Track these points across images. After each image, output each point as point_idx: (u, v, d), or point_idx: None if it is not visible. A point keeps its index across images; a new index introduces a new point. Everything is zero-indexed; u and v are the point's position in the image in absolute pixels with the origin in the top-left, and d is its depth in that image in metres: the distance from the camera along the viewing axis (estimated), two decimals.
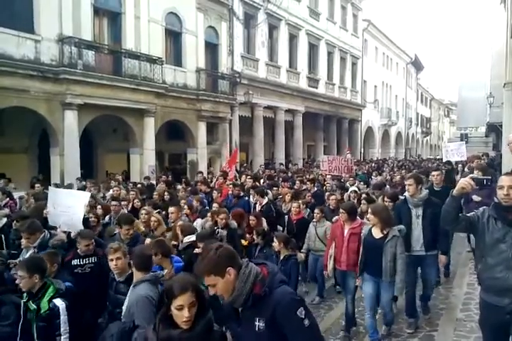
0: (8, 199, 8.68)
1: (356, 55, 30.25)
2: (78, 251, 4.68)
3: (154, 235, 5.62)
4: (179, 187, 10.34)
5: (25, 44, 11.68)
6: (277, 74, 21.78)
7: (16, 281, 3.61)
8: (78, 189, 9.40)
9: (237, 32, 19.17)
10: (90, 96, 12.78)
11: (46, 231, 5.06)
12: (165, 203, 7.82)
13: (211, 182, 11.17)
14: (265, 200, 7.94)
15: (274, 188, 9.47)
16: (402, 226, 4.75)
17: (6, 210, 7.66)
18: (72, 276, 4.32)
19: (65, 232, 5.47)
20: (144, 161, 15.05)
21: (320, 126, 26.11)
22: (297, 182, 10.30)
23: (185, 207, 6.89)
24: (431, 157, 35.13)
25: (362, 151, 32.01)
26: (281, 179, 11.80)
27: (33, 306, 3.50)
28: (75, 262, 4.65)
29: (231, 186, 9.11)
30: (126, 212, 6.96)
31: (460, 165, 11.34)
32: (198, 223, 6.55)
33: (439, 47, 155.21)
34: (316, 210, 6.54)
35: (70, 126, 12.61)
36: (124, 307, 3.31)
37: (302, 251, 6.41)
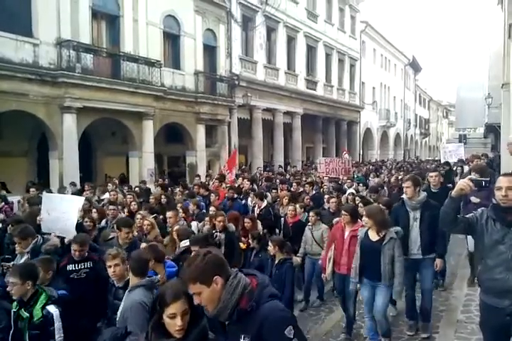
0: (3, 203, 8.62)
1: (354, 57, 30.32)
2: (73, 256, 4.61)
3: (147, 239, 5.55)
4: (177, 190, 10.32)
5: (24, 48, 11.69)
6: (275, 76, 21.81)
7: (8, 288, 3.54)
8: (73, 193, 9.33)
9: (235, 34, 19.20)
10: (89, 100, 12.78)
11: (39, 237, 5.00)
12: (162, 207, 7.76)
13: (209, 184, 11.17)
14: (264, 203, 7.93)
15: (273, 191, 9.46)
16: (398, 228, 4.69)
17: (1, 215, 7.62)
18: (67, 282, 4.25)
19: (59, 237, 5.40)
20: (143, 164, 15.05)
21: (319, 128, 26.14)
22: (294, 184, 10.27)
23: (180, 210, 6.83)
24: (429, 158, 35.13)
25: (361, 153, 32.04)
26: (278, 181, 11.81)
27: (25, 314, 3.43)
28: (70, 267, 4.58)
29: (227, 189, 9.12)
30: (123, 216, 6.88)
31: (459, 168, 11.31)
32: (193, 226, 6.53)
33: (436, 49, 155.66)
34: (311, 213, 6.45)
35: (69, 129, 12.61)
36: (118, 313, 3.28)
37: (298, 255, 6.29)
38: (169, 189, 10.58)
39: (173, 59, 16.67)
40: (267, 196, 9.22)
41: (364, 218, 4.70)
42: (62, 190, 10.41)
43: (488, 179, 3.23)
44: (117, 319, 3.25)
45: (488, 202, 3.40)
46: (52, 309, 3.42)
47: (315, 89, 25.29)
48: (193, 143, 17.30)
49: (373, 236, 4.58)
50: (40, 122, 12.41)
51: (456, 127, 38.00)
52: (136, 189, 10.39)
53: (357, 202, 6.99)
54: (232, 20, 18.85)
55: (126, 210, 7.48)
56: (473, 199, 5.74)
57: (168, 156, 19.09)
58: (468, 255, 6.63)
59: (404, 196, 5.03)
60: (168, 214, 6.29)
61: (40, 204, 6.17)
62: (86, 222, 6.11)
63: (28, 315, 3.42)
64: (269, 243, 5.19)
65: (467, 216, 3.27)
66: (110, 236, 5.62)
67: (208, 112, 17.48)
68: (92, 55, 12.98)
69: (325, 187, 10.48)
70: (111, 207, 6.92)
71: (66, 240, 5.31)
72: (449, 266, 7.68)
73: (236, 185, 10.42)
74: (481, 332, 3.42)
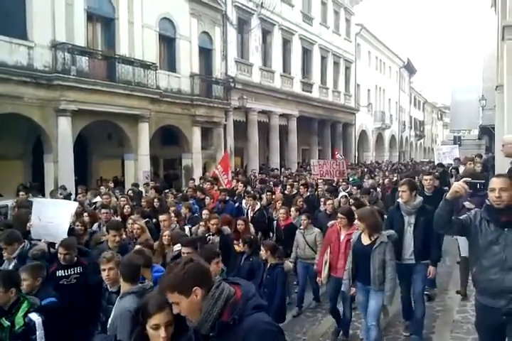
0: None
1: (349, 59, 30.44)
2: (59, 260, 4.49)
3: (138, 242, 5.41)
4: (169, 193, 10.25)
5: (18, 50, 11.65)
6: (271, 78, 21.86)
7: None
8: (64, 197, 9.22)
9: (231, 37, 19.25)
10: (84, 102, 12.75)
11: (26, 242, 4.88)
12: (154, 210, 7.67)
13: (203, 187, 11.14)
14: (258, 206, 7.91)
15: (268, 193, 9.43)
16: (392, 232, 4.61)
17: None
18: (57, 288, 4.12)
19: (52, 244, 5.25)
20: (139, 167, 15.02)
21: (314, 130, 26.20)
22: (288, 186, 10.24)
23: (172, 214, 6.73)
24: (424, 160, 35.25)
25: (356, 155, 32.13)
26: (272, 183, 11.79)
27: (6, 323, 3.29)
28: (59, 273, 4.46)
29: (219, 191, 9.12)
30: (115, 218, 6.80)
31: (454, 170, 11.31)
32: (186, 230, 6.49)
33: (431, 51, 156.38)
34: (303, 217, 6.31)
35: (64, 132, 12.57)
36: (109, 320, 3.21)
37: (290, 260, 6.14)
38: (161, 192, 10.48)
39: (169, 61, 16.67)
40: (262, 198, 9.23)
41: (356, 221, 4.64)
42: (54, 192, 10.31)
43: (483, 181, 3.21)
44: (108, 326, 3.18)
45: (481, 206, 3.39)
46: (34, 317, 3.30)
47: (310, 92, 25.36)
48: (189, 146, 17.30)
49: (365, 239, 4.50)
50: (35, 125, 12.37)
51: (450, 129, 38.06)
52: (129, 192, 10.29)
53: (349, 205, 6.91)
54: (227, 23, 18.89)
55: (119, 213, 7.41)
56: (468, 204, 5.59)
57: (164, 159, 19.08)
58: (461, 260, 6.37)
59: (400, 200, 4.94)
60: (162, 217, 6.21)
61: (28, 207, 6.03)
62: (77, 225, 5.99)
63: (9, 323, 3.29)
64: (262, 247, 5.08)
65: (461, 217, 3.29)
66: (101, 240, 5.54)
67: (204, 115, 17.49)
68: (87, 58, 12.95)
69: (320, 189, 10.47)
70: (103, 210, 6.82)
71: (57, 246, 5.13)
72: (445, 266, 7.70)
73: (230, 187, 10.43)
74: (477, 332, 3.44)
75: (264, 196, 9.41)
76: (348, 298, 5.10)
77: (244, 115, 20.34)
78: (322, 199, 8.16)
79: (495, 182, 3.06)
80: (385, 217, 5.83)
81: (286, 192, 9.92)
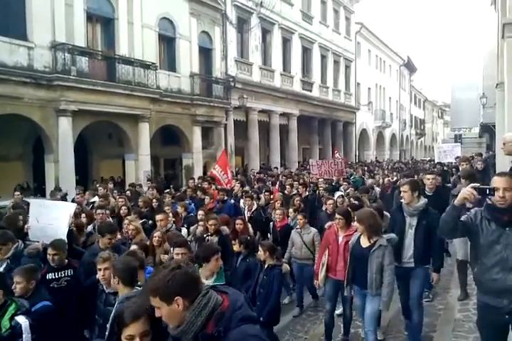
0: None
1: (349, 58, 30.40)
2: (49, 261, 4.37)
3: (133, 243, 5.34)
4: (166, 192, 10.23)
5: (18, 51, 11.67)
6: (271, 78, 21.84)
7: None
8: (61, 197, 9.19)
9: (231, 36, 19.25)
10: (84, 103, 12.76)
11: (20, 242, 4.83)
12: (152, 211, 7.60)
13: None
14: (255, 206, 7.89)
15: (266, 193, 9.40)
16: (393, 235, 4.47)
17: None
18: (48, 291, 4.02)
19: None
20: (140, 167, 15.04)
21: (314, 129, 26.19)
22: (287, 186, 10.19)
23: (170, 214, 6.69)
24: (425, 158, 35.21)
25: (357, 154, 32.10)
26: (270, 183, 11.76)
27: None
28: (49, 276, 4.35)
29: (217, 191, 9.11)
30: (110, 220, 6.70)
31: (454, 169, 11.26)
32: (183, 232, 6.48)
33: (431, 49, 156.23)
34: (299, 216, 6.21)
35: (65, 132, 12.59)
36: (108, 325, 3.07)
37: (284, 260, 5.95)
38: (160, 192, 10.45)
39: (169, 61, 16.68)
40: (260, 198, 9.20)
41: (355, 223, 4.52)
42: (54, 192, 10.31)
43: (493, 187, 3.00)
44: (107, 332, 3.07)
45: (480, 205, 3.35)
46: (21, 319, 3.21)
47: (310, 91, 25.34)
48: (190, 145, 17.31)
49: (364, 242, 4.36)
50: (36, 125, 12.40)
51: (451, 127, 38.10)
52: (127, 192, 10.25)
53: (346, 205, 6.82)
54: (227, 23, 18.89)
55: (116, 214, 7.36)
56: (467, 204, 5.52)
57: (165, 158, 19.08)
58: (458, 264, 6.17)
59: (402, 200, 4.78)
60: (158, 217, 6.16)
61: (23, 208, 5.96)
62: (74, 227, 5.92)
63: None
64: (260, 248, 4.91)
65: (462, 219, 3.20)
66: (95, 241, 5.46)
67: (204, 114, 17.50)
68: (87, 58, 12.96)
69: (321, 188, 10.45)
70: (99, 211, 6.74)
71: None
72: (446, 264, 7.67)
73: (231, 186, 10.42)
74: (478, 330, 3.43)
75: (262, 196, 9.39)
76: (349, 298, 5.09)
77: (244, 114, 20.34)
78: (323, 199, 8.12)
79: (498, 182, 2.98)
80: (385, 214, 5.83)
81: (285, 192, 9.90)
